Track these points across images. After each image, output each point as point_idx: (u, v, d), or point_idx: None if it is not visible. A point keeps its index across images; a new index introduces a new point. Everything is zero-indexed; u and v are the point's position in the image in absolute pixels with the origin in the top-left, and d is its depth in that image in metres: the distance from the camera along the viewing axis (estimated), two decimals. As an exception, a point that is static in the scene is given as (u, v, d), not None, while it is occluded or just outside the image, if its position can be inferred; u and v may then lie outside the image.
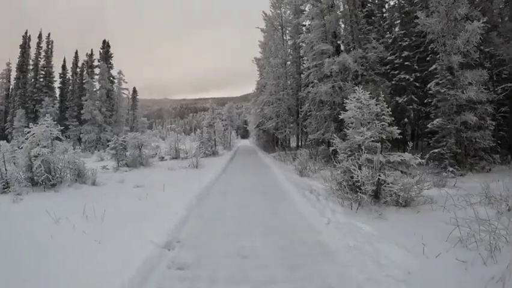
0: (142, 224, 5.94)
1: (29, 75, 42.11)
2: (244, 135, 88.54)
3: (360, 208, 6.98)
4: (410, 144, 8.69)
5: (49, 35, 42.66)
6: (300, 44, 26.69)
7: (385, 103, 8.36)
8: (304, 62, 27.16)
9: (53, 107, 38.22)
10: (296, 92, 26.17)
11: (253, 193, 9.93)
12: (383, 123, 7.90)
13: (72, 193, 9.90)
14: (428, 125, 13.05)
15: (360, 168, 7.43)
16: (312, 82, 18.01)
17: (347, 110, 8.39)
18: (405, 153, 7.87)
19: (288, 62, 27.55)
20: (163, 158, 21.80)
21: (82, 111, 37.01)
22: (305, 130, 23.41)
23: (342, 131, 17.34)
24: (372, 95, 8.57)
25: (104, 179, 12.87)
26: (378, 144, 7.45)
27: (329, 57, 16.57)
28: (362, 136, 7.60)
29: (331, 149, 8.95)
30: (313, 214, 6.81)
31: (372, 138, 7.59)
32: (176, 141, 22.35)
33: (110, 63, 42.46)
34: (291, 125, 24.77)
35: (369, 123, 8.10)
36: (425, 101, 15.30)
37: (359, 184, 7.09)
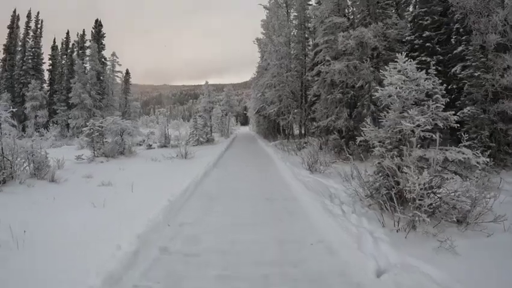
0: (59, 266, 3.60)
1: (17, 57, 39.44)
2: (244, 122, 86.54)
3: (412, 230, 4.61)
4: (465, 136, 6.01)
5: (38, 13, 39.85)
6: (307, 23, 24.45)
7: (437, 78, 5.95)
8: (310, 44, 24.99)
9: (40, 90, 35.63)
10: (301, 75, 23.71)
11: (251, 201, 7.25)
12: (437, 105, 5.49)
13: (17, 194, 7.53)
14: (458, 114, 11.02)
15: (400, 169, 5.11)
16: (322, 61, 15.54)
17: (383, 86, 5.96)
18: (464, 148, 5.51)
19: (292, 44, 25.03)
20: (150, 145, 19.39)
21: (70, 95, 34.43)
22: (311, 116, 21.01)
23: (355, 118, 15.12)
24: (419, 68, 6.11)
25: (72, 172, 10.67)
26: (437, 135, 5.08)
27: (343, 31, 14.03)
28: (411, 122, 5.19)
29: (359, 139, 6.46)
30: (347, 245, 4.34)
31: (426, 127, 5.21)
32: (165, 127, 19.83)
33: (102, 44, 39.67)
34: (295, 111, 22.18)
35: (415, 104, 5.71)
36: (449, 87, 13.28)
37: (412, 196, 4.65)
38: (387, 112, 5.84)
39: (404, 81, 5.64)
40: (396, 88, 5.54)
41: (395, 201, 4.77)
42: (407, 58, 5.96)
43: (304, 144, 18.23)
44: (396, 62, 5.97)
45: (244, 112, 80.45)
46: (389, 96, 5.68)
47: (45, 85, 38.67)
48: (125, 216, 5.36)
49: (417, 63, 14.18)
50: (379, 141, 5.73)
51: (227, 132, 35.29)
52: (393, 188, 5.12)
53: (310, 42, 25.12)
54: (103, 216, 5.46)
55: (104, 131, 14.43)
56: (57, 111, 36.14)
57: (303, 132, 25.25)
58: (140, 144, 20.15)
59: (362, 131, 6.24)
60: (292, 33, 25.24)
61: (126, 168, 11.39)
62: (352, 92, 14.21)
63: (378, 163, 5.65)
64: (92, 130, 14.05)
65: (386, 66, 6.17)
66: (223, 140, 28.11)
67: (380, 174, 5.66)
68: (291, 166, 11.22)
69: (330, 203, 6.15)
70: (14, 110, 10.31)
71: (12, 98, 36.01)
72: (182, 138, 22.16)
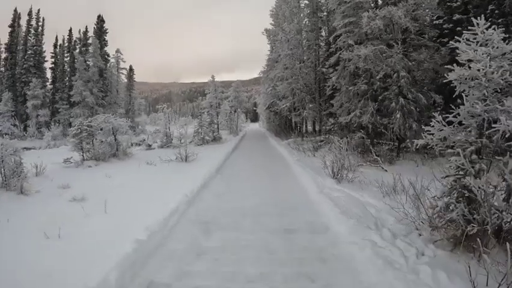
0: None
1: (19, 55, 38.28)
2: (254, 118, 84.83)
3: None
4: None
5: (39, 11, 38.58)
6: (320, 12, 22.39)
7: None
8: (323, 35, 22.96)
9: (41, 88, 34.28)
10: (315, 67, 21.66)
11: (263, 234, 5.00)
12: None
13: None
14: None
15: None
16: (341, 48, 13.54)
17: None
18: None
19: (304, 34, 23.03)
20: (150, 146, 17.52)
21: (71, 93, 33.07)
22: (326, 112, 19.02)
23: (381, 113, 13.11)
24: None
25: (50, 180, 9.03)
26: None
27: (367, 11, 12.02)
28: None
29: (417, 142, 4.40)
30: None
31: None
32: (167, 125, 17.89)
33: (104, 40, 38.25)
34: (310, 106, 20.04)
35: (497, 92, 3.81)
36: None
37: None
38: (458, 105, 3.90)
39: (491, 57, 3.71)
40: (485, 67, 3.59)
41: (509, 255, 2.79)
42: (488, 24, 4.02)
43: (320, 143, 16.27)
44: (472, 29, 4.04)
45: (254, 108, 78.69)
46: (473, 79, 3.73)
47: (48, 84, 37.54)
48: (67, 268, 3.50)
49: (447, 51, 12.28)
50: (459, 147, 3.75)
51: (236, 130, 33.31)
52: (487, 223, 3.17)
53: (323, 33, 23.23)
54: (40, 264, 3.65)
55: (94, 131, 12.69)
56: (59, 110, 34.88)
57: (317, 129, 23.33)
58: (139, 144, 18.44)
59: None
60: (304, 22, 23.27)
61: (114, 175, 9.62)
62: (378, 83, 12.22)
63: (454, 181, 3.70)
64: (80, 130, 12.33)
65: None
66: (231, 138, 26.19)
67: (457, 195, 3.73)
68: (311, 172, 9.16)
69: (380, 240, 4.11)
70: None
71: (14, 97, 35.00)
72: (188, 137, 20.45)
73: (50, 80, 38.12)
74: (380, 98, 12.38)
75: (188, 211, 6.21)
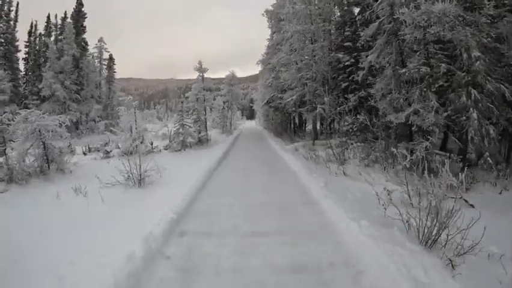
0: None
1: (-10, 45, 33.73)
2: (250, 116, 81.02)
3: None
4: None
5: (10, -8, 34.08)
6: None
7: None
8: (332, 19, 18.86)
9: (9, 82, 29.67)
10: (330, 51, 17.27)
11: None
12: None
13: None
14: None
15: None
16: (378, 17, 9.17)
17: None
18: None
19: (316, 12, 18.64)
20: (108, 153, 12.72)
21: (40, 86, 28.65)
22: (341, 108, 14.72)
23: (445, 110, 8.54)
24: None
25: None
26: None
27: None
28: None
29: None
30: None
31: None
32: (132, 125, 13.09)
33: (82, 26, 33.95)
34: (326, 99, 15.26)
35: None
36: None
37: None
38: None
39: None
40: None
41: None
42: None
43: (337, 149, 11.80)
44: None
45: (251, 105, 74.84)
46: None
47: (19, 76, 33.15)
48: None
49: None
50: None
51: (230, 128, 28.66)
52: None
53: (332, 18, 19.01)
54: None
55: (8, 137, 8.37)
56: (29, 106, 30.34)
57: (324, 129, 19.10)
58: (98, 150, 14.02)
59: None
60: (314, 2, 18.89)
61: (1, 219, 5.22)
62: (443, 65, 7.88)
63: None
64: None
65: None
66: (223, 138, 21.55)
67: None
68: (373, 232, 4.22)
69: None
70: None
71: (-21, 93, 30.38)
72: (167, 137, 16.17)
73: (23, 72, 33.72)
74: (442, 87, 8.12)
75: None
